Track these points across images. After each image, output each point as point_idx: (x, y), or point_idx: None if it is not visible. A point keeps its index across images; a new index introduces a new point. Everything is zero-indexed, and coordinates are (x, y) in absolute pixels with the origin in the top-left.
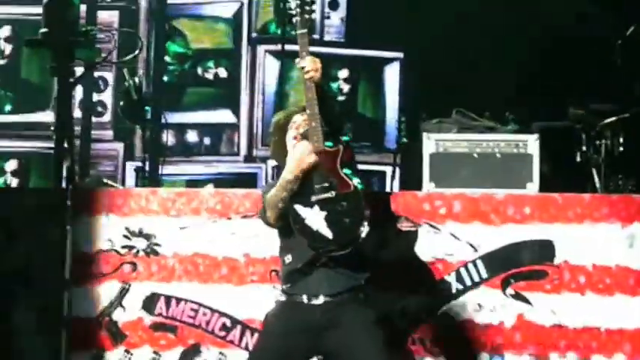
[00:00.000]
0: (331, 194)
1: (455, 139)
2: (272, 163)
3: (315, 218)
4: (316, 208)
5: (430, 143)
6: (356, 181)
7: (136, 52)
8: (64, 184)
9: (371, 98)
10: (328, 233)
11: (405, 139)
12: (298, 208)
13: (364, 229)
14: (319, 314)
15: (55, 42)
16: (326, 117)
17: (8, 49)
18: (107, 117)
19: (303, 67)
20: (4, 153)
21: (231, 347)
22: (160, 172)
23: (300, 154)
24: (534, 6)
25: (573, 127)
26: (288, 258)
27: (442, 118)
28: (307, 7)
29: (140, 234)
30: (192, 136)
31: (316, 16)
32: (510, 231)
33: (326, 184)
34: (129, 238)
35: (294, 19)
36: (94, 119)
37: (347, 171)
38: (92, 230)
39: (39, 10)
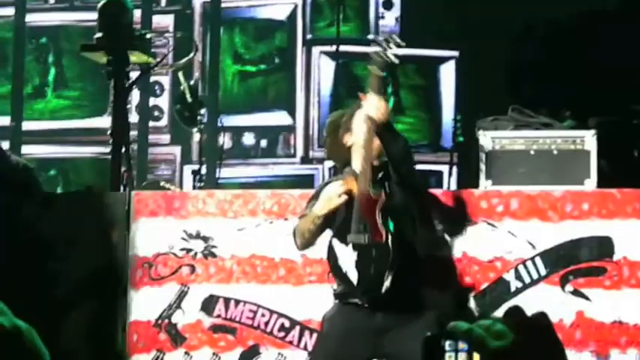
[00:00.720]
0: (364, 240)
1: (511, 136)
2: (329, 164)
3: (346, 258)
4: (350, 247)
5: (486, 141)
6: (391, 226)
7: (191, 55)
8: (121, 189)
9: (426, 97)
10: (354, 278)
11: (461, 138)
12: (335, 242)
13: (386, 283)
14: (378, 316)
15: (110, 46)
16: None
17: None
18: (164, 121)
19: (366, 106)
20: (63, 159)
21: (290, 348)
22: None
23: (330, 194)
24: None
25: (631, 122)
26: None
27: (498, 116)
28: (389, 48)
29: (198, 236)
30: (248, 139)
31: (371, 16)
32: (568, 228)
33: (361, 226)
34: (187, 241)
35: (373, 55)
36: (150, 123)
37: (384, 220)
38: (151, 233)
39: (94, 15)
